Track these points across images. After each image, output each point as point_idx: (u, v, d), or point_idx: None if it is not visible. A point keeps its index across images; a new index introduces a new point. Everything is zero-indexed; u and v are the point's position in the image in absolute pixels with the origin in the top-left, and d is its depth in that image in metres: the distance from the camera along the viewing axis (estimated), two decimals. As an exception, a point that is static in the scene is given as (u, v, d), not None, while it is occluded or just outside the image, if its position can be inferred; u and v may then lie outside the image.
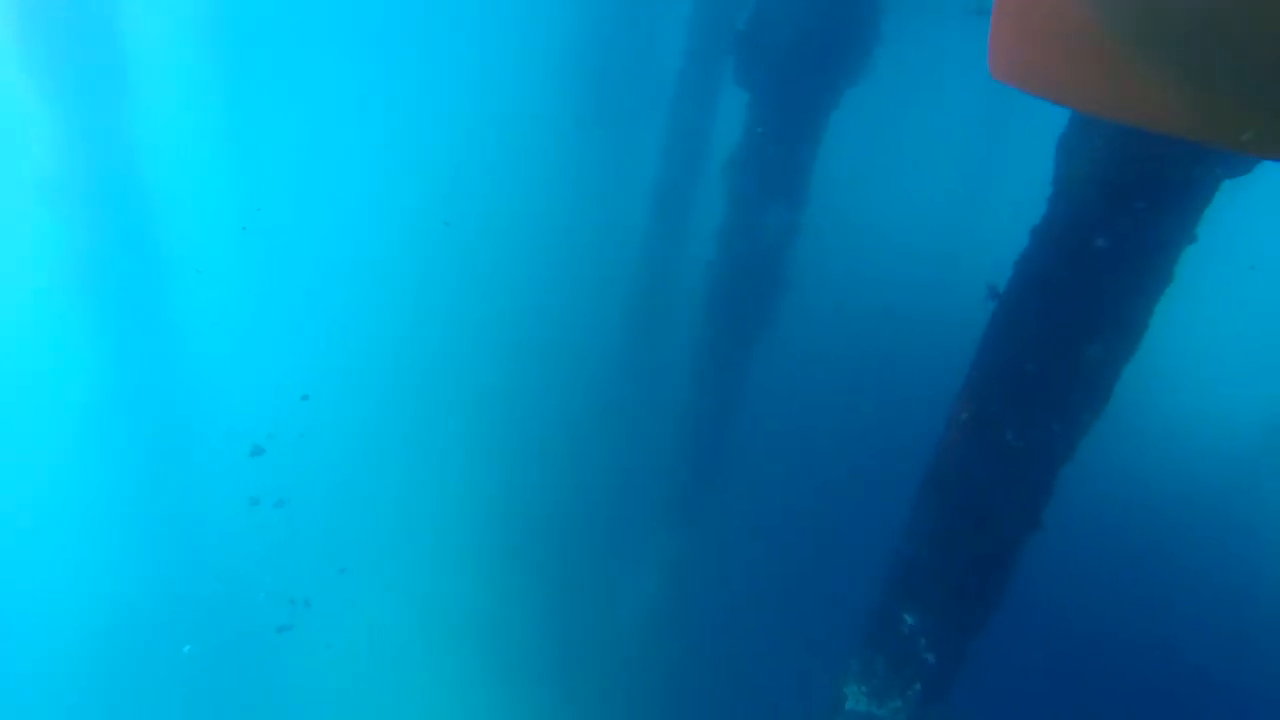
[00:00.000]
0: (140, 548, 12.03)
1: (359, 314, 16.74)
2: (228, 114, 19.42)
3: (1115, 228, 4.41)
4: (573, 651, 11.62)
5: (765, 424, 11.73)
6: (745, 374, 10.81)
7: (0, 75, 10.82)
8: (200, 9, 19.26)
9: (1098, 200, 4.42)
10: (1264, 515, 14.80)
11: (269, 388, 13.83)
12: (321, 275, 17.55)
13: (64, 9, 10.59)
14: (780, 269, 9.70)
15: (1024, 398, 4.76)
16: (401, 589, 12.60)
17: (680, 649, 10.88)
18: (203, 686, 10.56)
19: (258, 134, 19.47)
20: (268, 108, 19.77)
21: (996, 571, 5.40)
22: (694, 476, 12.23)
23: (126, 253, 11.91)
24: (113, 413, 12.62)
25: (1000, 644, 7.13)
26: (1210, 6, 0.85)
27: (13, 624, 10.44)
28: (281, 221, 18.50)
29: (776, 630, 10.26)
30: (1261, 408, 18.63)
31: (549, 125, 18.56)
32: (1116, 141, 4.22)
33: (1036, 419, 4.75)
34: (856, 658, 6.13)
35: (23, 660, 10.31)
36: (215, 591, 11.54)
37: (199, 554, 11.96)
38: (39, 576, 11.46)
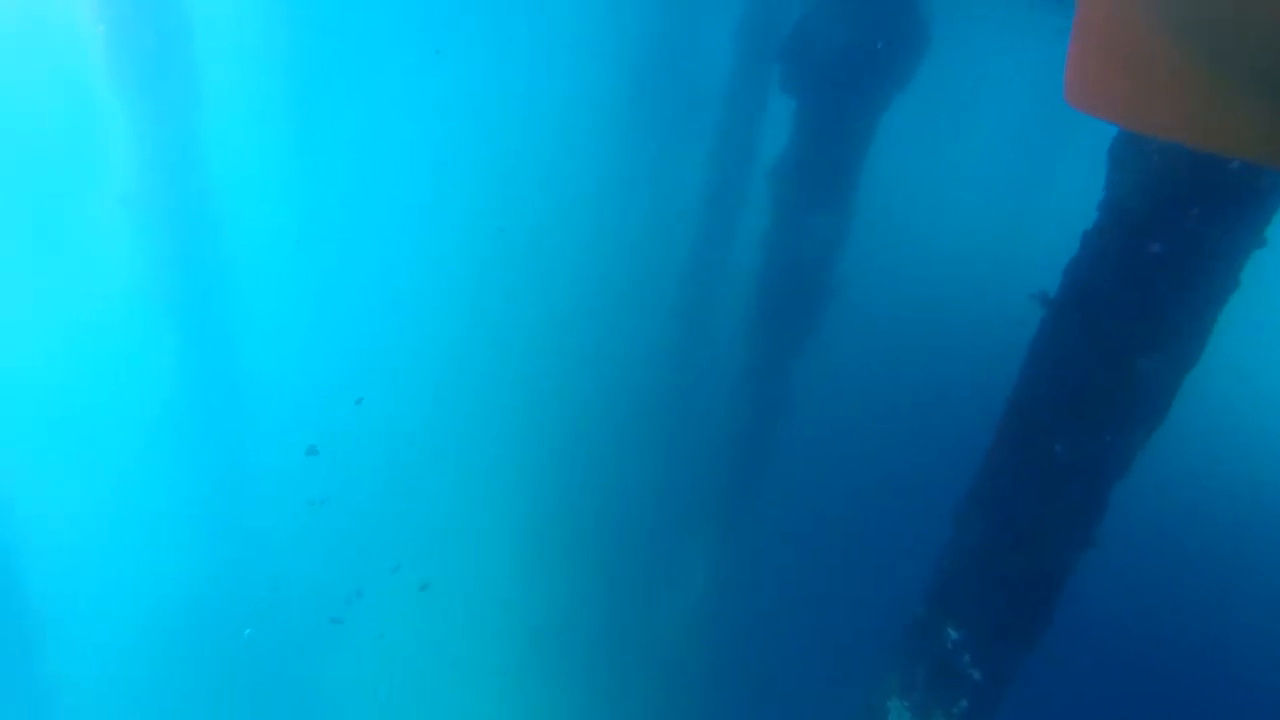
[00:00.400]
0: (206, 539, 12.58)
1: (413, 320, 17.18)
2: (291, 127, 20.21)
3: (1170, 233, 4.26)
4: (614, 652, 11.68)
5: (809, 431, 11.60)
6: (789, 381, 10.72)
7: (92, 97, 11.54)
8: (266, 30, 20.14)
9: (1151, 205, 4.28)
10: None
11: (326, 391, 14.30)
12: (378, 281, 18.09)
13: (149, 37, 11.26)
14: (825, 276, 9.61)
15: (1073, 409, 4.62)
16: (450, 586, 12.85)
17: (721, 654, 10.84)
18: (261, 671, 10.96)
19: (318, 146, 20.21)
20: (328, 120, 20.50)
21: (1045, 589, 5.24)
22: (738, 482, 12.18)
23: (197, 261, 12.52)
24: (183, 410, 13.24)
25: (1055, 665, 6.92)
26: None
27: (91, 609, 11.01)
28: (341, 229, 19.14)
29: (818, 639, 10.13)
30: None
31: (599, 133, 18.77)
32: (1171, 147, 4.09)
33: (1087, 431, 4.61)
34: (898, 671, 6.02)
35: (100, 642, 10.87)
36: (274, 583, 11.97)
37: (259, 547, 12.44)
38: (115, 564, 12.08)
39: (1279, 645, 10.59)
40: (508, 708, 11.36)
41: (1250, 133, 0.99)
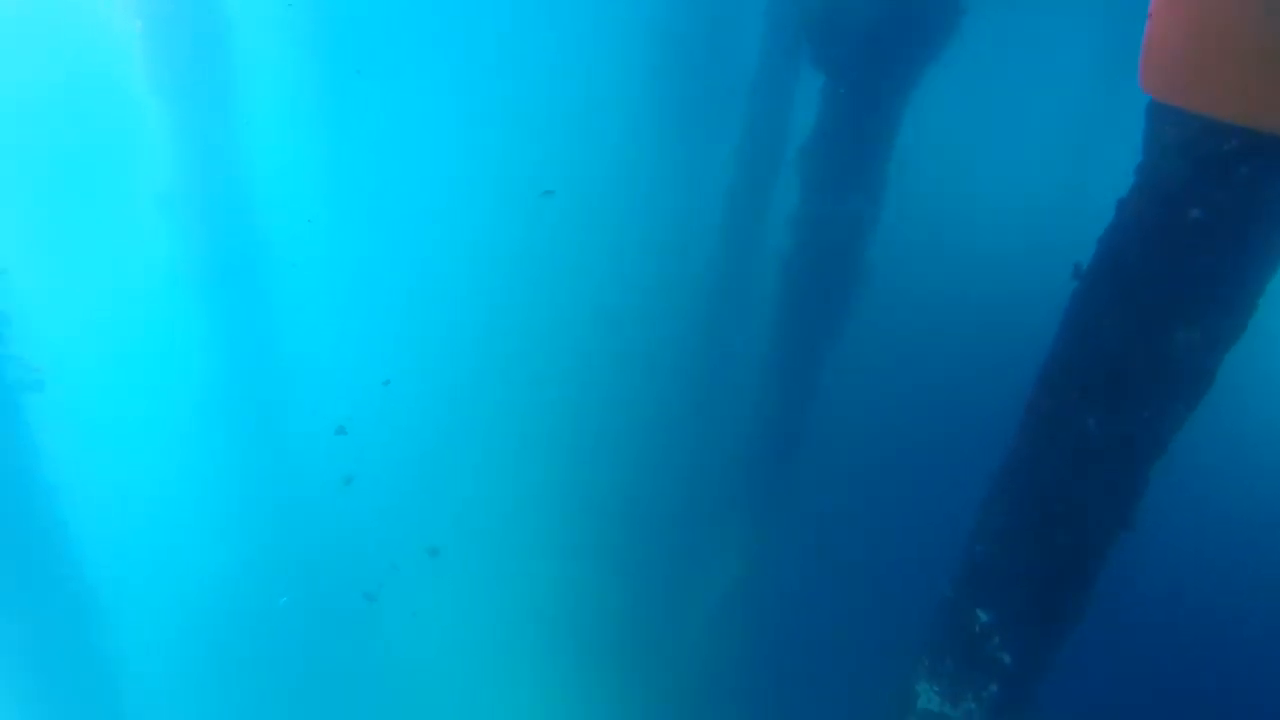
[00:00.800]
0: (245, 520, 13.00)
1: (443, 305, 17.37)
2: (324, 120, 20.55)
3: (1213, 198, 4.04)
4: (647, 638, 11.74)
5: (838, 413, 11.44)
6: (819, 365, 10.56)
7: (133, 99, 11.92)
8: (300, 26, 20.45)
9: (1192, 167, 4.07)
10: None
11: (359, 375, 14.58)
12: (411, 269, 18.33)
13: (187, 40, 11.57)
14: (855, 259, 9.41)
15: (1106, 384, 4.44)
16: (483, 570, 13.04)
17: (753, 639, 10.81)
18: (299, 646, 11.29)
19: (350, 139, 20.52)
20: (359, 114, 20.77)
21: (1079, 572, 5.08)
22: (768, 467, 12.08)
23: (232, 252, 12.89)
24: (221, 395, 13.67)
25: (1095, 651, 6.72)
26: None
27: (139, 588, 11.47)
28: (370, 218, 19.43)
29: (849, 622, 10.02)
30: None
31: (625, 114, 18.66)
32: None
33: (1120, 408, 4.43)
34: (927, 654, 5.92)
35: (148, 621, 11.32)
36: (311, 559, 12.31)
37: (296, 526, 12.81)
38: (164, 544, 12.58)
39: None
40: (539, 694, 11.52)
41: None
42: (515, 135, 20.08)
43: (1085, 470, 4.62)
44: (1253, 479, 12.00)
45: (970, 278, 15.65)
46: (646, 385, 15.21)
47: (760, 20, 13.62)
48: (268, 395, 13.86)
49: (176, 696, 11.14)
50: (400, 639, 12.10)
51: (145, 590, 11.59)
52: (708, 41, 16.99)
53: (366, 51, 21.13)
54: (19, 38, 18.86)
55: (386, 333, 16.85)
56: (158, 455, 13.81)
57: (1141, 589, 8.00)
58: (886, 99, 8.45)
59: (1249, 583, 10.37)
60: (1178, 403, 4.46)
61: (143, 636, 11.01)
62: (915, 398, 12.85)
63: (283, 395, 14.08)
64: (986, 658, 5.46)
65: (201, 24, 11.72)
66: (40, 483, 9.47)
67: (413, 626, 12.31)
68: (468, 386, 15.74)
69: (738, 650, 10.81)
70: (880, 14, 7.94)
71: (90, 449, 11.65)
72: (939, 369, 13.23)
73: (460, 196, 19.46)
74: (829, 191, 9.21)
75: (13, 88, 17.67)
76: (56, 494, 9.57)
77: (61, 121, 18.45)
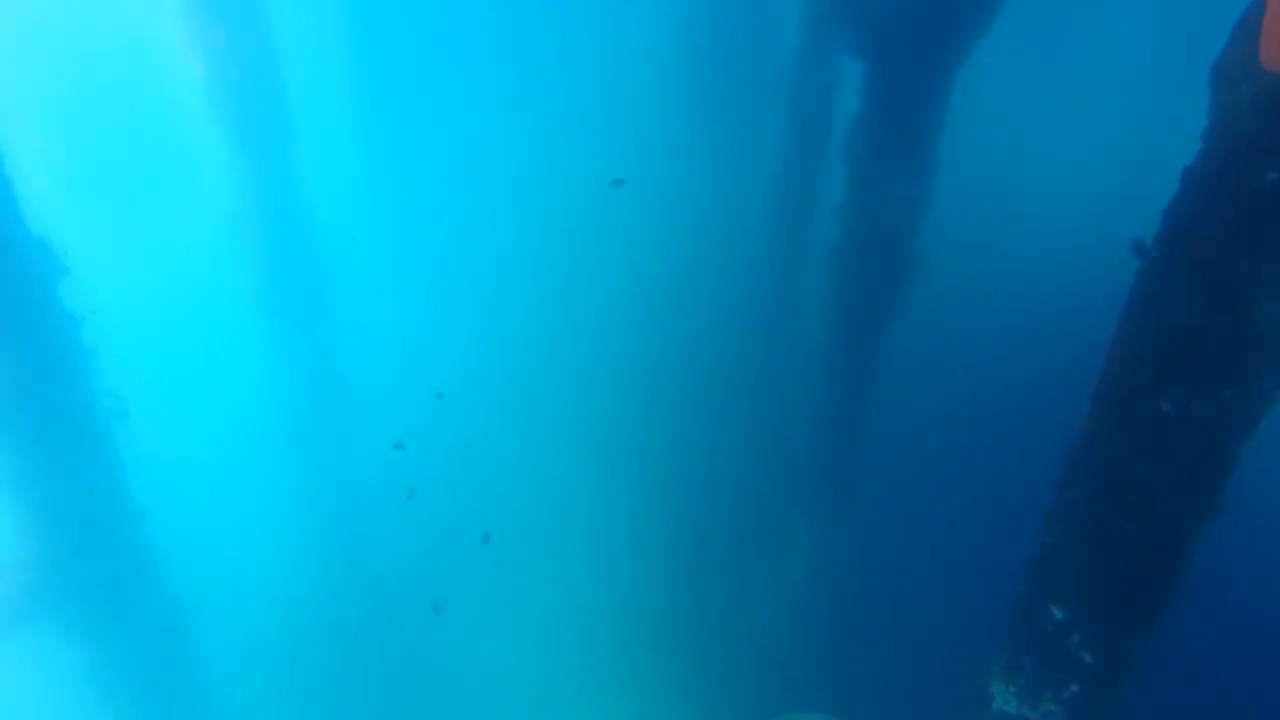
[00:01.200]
0: (311, 532, 13.47)
1: (500, 313, 17.63)
2: (376, 141, 21.12)
3: (1292, 158, 3.75)
4: (711, 638, 11.65)
5: (899, 407, 11.12)
6: (877, 356, 10.29)
7: (196, 126, 12.55)
8: (350, 55, 21.13)
9: (1270, 125, 3.79)
10: None
11: (420, 388, 14.93)
12: (463, 275, 18.65)
13: (243, 70, 12.14)
14: (905, 247, 9.14)
15: (1182, 363, 4.18)
16: (550, 576, 13.17)
17: (819, 642, 10.59)
18: (368, 656, 11.61)
19: (401, 157, 21.05)
20: (410, 122, 21.22)
21: (1162, 563, 4.78)
22: (830, 464, 11.84)
23: (293, 273, 13.40)
24: (290, 411, 14.20)
25: (1186, 647, 6.33)
26: None
27: (218, 602, 12.00)
28: (419, 230, 19.87)
29: (919, 621, 9.71)
30: None
31: (670, 109, 18.60)
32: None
33: (1199, 387, 4.15)
34: (1002, 652, 5.67)
35: (227, 633, 11.84)
36: (379, 571, 12.65)
37: (362, 539, 13.19)
38: (237, 561, 13.13)
39: None
40: (603, 698, 11.56)
41: None
42: (560, 137, 20.26)
43: (1161, 455, 4.35)
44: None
45: (1025, 260, 15.01)
46: (702, 385, 15.12)
47: (800, 7, 13.39)
48: (332, 413, 14.33)
49: (254, 706, 11.62)
50: (466, 649, 12.33)
51: (225, 604, 12.12)
52: (750, 31, 16.81)
53: (413, 67, 21.51)
54: (93, 84, 20.12)
55: (444, 345, 17.22)
56: (231, 476, 14.45)
57: (1234, 580, 7.49)
58: (927, 82, 8.17)
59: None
60: (1264, 379, 4.16)
61: (223, 648, 11.51)
62: (976, 386, 12.39)
63: (346, 412, 14.55)
64: (1066, 656, 5.20)
65: (255, 64, 12.30)
66: (128, 506, 10.03)
67: (478, 636, 12.53)
68: (528, 394, 15.95)
69: (803, 653, 10.60)
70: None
71: (165, 467, 12.28)
72: (999, 356, 12.72)
73: (511, 202, 19.73)
74: (874, 179, 8.98)
75: (88, 140, 18.89)
76: (143, 517, 10.10)
77: (138, 153, 19.59)
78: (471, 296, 18.10)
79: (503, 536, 13.18)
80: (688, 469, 13.92)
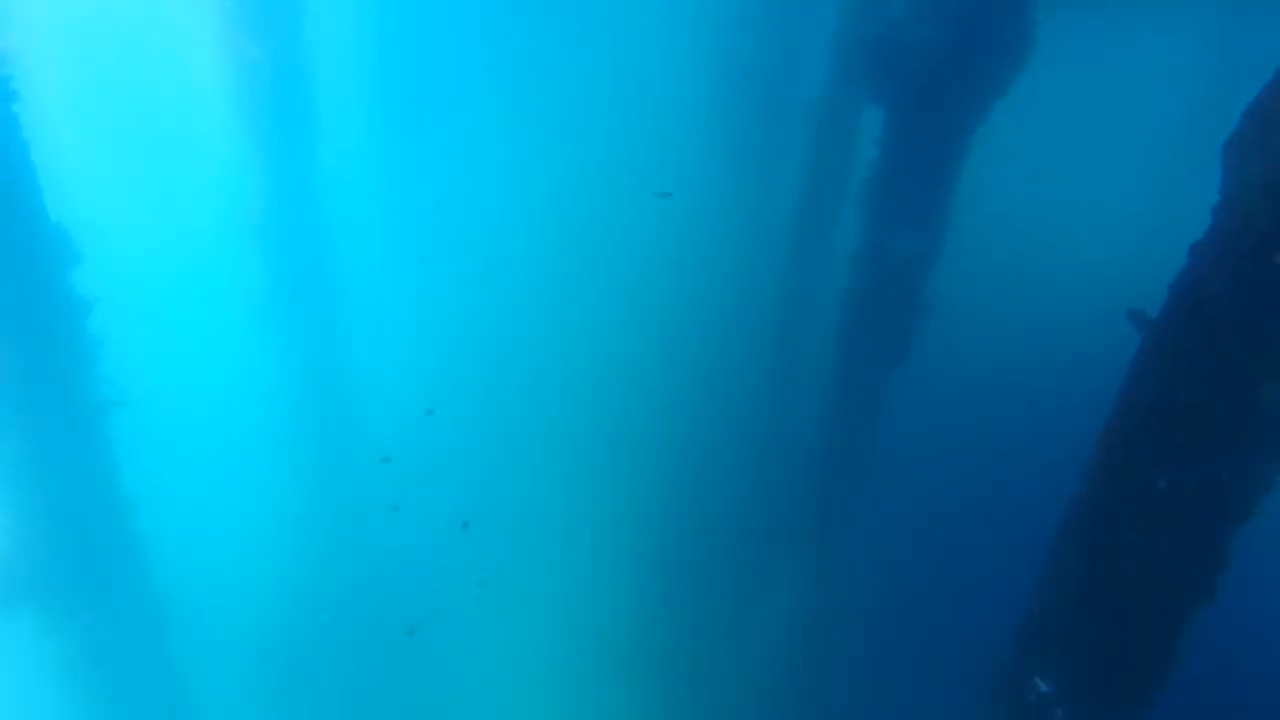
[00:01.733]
0: (298, 534, 13.40)
1: (509, 330, 17.69)
2: (399, 148, 21.39)
3: (1301, 242, 3.71)
4: (701, 664, 11.52)
5: (899, 456, 11.03)
6: (880, 403, 10.21)
7: (226, 139, 12.77)
8: (377, 58, 21.51)
9: (1277, 209, 3.76)
10: None
11: (429, 397, 14.93)
12: (472, 286, 18.75)
13: (270, 83, 12.39)
14: (913, 296, 9.09)
15: (1181, 441, 4.09)
16: (543, 596, 13.05)
17: (803, 678, 10.40)
18: (344, 660, 11.45)
19: (416, 163, 21.27)
20: (428, 128, 21.47)
21: (1154, 644, 4.64)
22: (827, 502, 11.71)
23: (308, 280, 13.52)
24: (294, 414, 14.20)
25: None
26: None
27: (201, 595, 11.92)
28: (440, 237, 20.03)
29: (901, 675, 9.50)
30: None
31: (690, 149, 18.78)
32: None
33: (1197, 467, 4.07)
34: (983, 717, 5.51)
35: (208, 626, 11.74)
36: (361, 578, 12.53)
37: (349, 543, 13.11)
38: (223, 557, 13.07)
39: None
40: (597, 715, 11.39)
41: None
42: (580, 168, 20.47)
43: (1155, 533, 4.24)
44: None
45: (1033, 322, 14.98)
46: (712, 414, 15.10)
47: (826, 56, 13.54)
48: (329, 416, 14.33)
49: (229, 702, 11.48)
50: (453, 662, 12.18)
51: (205, 601, 12.03)
52: (774, 76, 16.99)
53: (437, 49, 21.72)
54: (116, 76, 20.55)
55: (448, 351, 17.26)
56: (224, 472, 14.44)
57: (1233, 667, 7.28)
58: (947, 134, 8.20)
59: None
60: (1266, 462, 4.07)
61: (200, 644, 11.41)
62: (976, 443, 12.29)
63: (344, 416, 14.55)
64: (1047, 731, 5.04)
65: (283, 71, 12.56)
66: (120, 494, 10.01)
67: (466, 649, 12.39)
68: (532, 406, 15.95)
69: (790, 690, 10.41)
70: (939, 47, 7.75)
71: (162, 466, 12.28)
72: (1000, 415, 12.63)
73: (525, 223, 19.89)
74: (887, 229, 8.97)
75: (117, 140, 19.27)
76: (132, 508, 10.07)
77: (162, 163, 19.94)
78: (483, 309, 18.19)
79: (502, 551, 13.10)
80: (689, 500, 13.85)
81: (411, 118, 21.50)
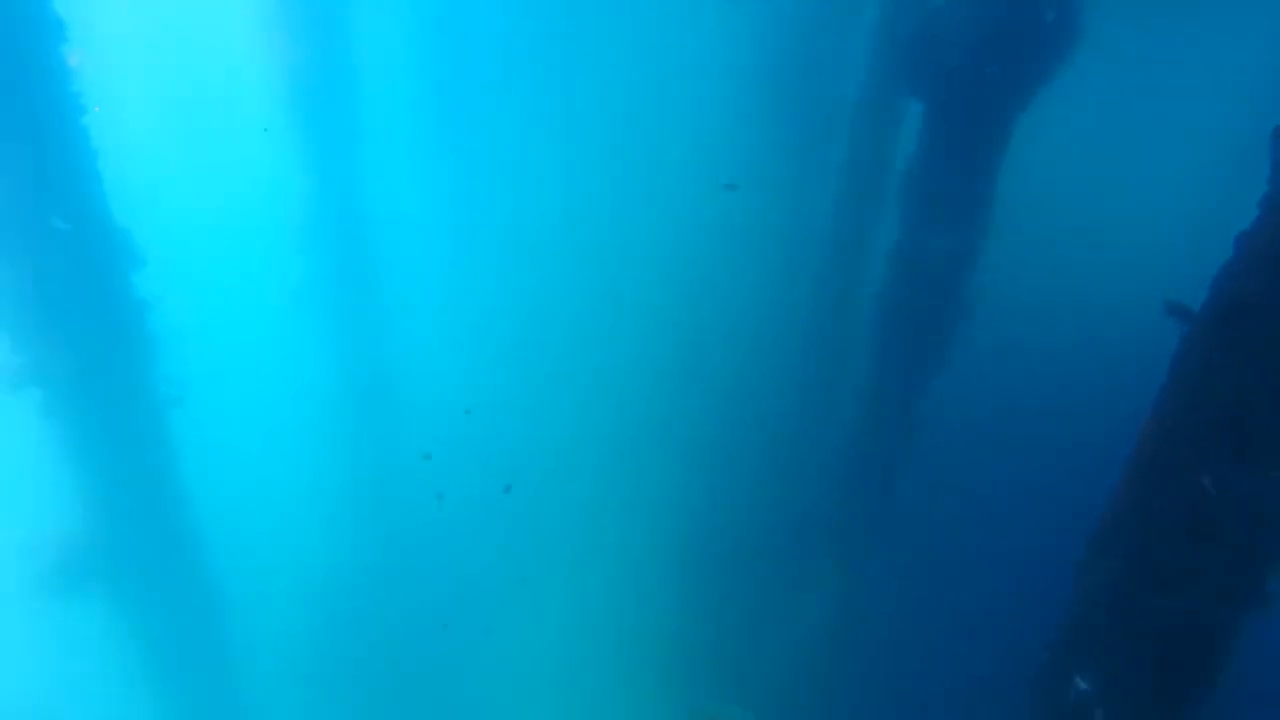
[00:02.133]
0: (349, 527, 13.81)
1: (548, 329, 17.89)
2: (443, 149, 21.77)
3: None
4: (734, 666, 11.55)
5: (937, 456, 10.87)
6: (918, 403, 10.08)
7: (272, 142, 13.21)
8: (421, 55, 21.90)
9: (1327, 201, 3.65)
10: None
11: (456, 395, 15.24)
12: (507, 285, 19.00)
13: (319, 90, 12.78)
14: (953, 296, 8.95)
15: (1226, 439, 4.00)
16: (578, 598, 13.23)
17: (843, 676, 10.36)
18: (390, 649, 11.78)
19: (469, 173, 21.63)
20: (479, 142, 21.81)
21: (1199, 645, 4.54)
22: (864, 502, 11.62)
23: (354, 284, 13.93)
24: (339, 409, 14.65)
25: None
26: None
27: (256, 585, 12.41)
28: (478, 240, 20.34)
29: (942, 676, 9.39)
30: None
31: (728, 144, 18.72)
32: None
33: (1244, 465, 3.97)
34: (1022, 718, 5.45)
35: (263, 614, 12.23)
36: (407, 572, 12.87)
37: (396, 536, 13.46)
38: (277, 547, 13.56)
39: None
40: (627, 712, 11.51)
41: None
42: (610, 168, 20.56)
43: (1199, 534, 4.16)
44: None
45: (1073, 318, 14.55)
46: (746, 413, 15.07)
47: (866, 48, 13.37)
48: (376, 414, 14.75)
49: (282, 685, 11.95)
50: (491, 655, 12.43)
51: (260, 588, 12.52)
52: (812, 68, 16.81)
53: (480, 55, 22.02)
54: (175, 97, 21.37)
55: (492, 350, 17.53)
56: (276, 468, 14.97)
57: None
58: (988, 126, 8.05)
59: None
60: (1314, 461, 3.96)
61: (258, 628, 11.91)
62: (1021, 439, 12.02)
63: (390, 414, 14.95)
64: (1088, 731, 4.97)
65: (329, 71, 12.93)
66: (178, 489, 10.51)
67: (502, 645, 12.62)
68: (566, 409, 16.12)
69: (827, 686, 10.38)
70: (979, 36, 7.61)
71: (219, 461, 12.81)
72: (1040, 412, 12.33)
73: (564, 226, 20.07)
74: (930, 223, 8.85)
75: (167, 140, 20.01)
76: (190, 500, 10.56)
77: (210, 162, 20.67)
78: (523, 311, 18.42)
79: (541, 551, 13.31)
80: (721, 499, 13.86)
81: (458, 113, 21.84)
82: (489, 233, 20.21)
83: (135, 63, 20.31)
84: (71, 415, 9.01)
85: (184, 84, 21.66)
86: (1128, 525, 4.49)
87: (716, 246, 18.33)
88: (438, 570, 13.45)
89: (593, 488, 14.80)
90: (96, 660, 11.20)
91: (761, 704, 10.58)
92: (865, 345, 10.77)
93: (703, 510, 13.83)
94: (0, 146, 7.72)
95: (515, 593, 13.34)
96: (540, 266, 19.01)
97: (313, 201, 13.34)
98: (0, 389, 8.59)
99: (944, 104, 8.18)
